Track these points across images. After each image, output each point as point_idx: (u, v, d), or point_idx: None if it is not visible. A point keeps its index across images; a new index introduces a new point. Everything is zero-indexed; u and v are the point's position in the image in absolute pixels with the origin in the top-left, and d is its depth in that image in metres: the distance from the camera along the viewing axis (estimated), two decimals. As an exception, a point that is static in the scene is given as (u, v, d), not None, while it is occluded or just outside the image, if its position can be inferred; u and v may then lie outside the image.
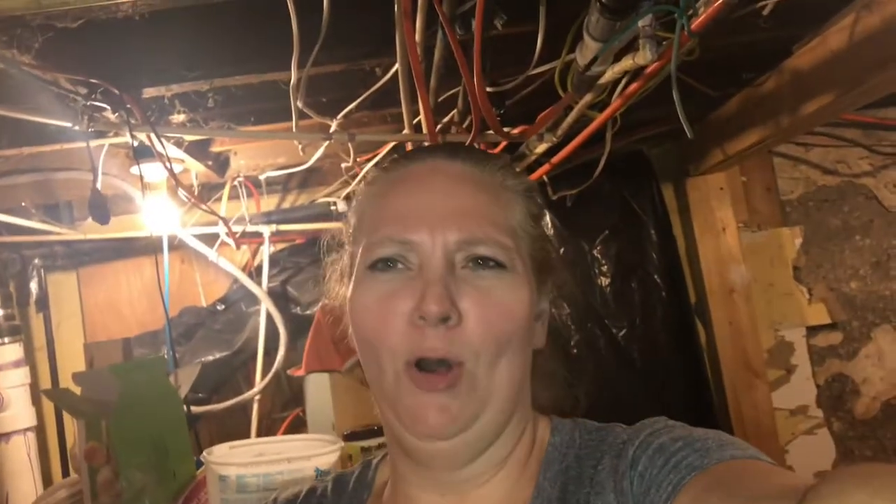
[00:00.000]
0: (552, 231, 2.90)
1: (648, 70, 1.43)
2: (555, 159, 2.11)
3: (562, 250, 2.90)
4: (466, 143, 1.74)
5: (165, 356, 2.69)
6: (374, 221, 0.78)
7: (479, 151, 0.83)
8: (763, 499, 0.55)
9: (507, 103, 1.89)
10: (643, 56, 1.23)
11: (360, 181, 0.88)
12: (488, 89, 1.64)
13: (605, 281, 2.90)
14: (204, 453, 1.41)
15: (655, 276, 2.90)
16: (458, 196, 0.76)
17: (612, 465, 0.73)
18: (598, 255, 2.91)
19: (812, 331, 3.04)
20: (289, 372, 2.54)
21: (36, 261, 2.84)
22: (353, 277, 0.79)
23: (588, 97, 1.57)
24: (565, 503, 0.74)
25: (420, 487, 0.79)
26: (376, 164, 0.87)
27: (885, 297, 3.04)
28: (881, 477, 0.44)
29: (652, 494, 0.66)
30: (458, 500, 0.78)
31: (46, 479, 2.79)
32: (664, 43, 1.28)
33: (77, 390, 1.53)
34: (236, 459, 1.39)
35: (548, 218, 2.90)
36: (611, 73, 1.40)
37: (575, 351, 2.86)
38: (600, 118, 1.70)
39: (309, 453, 1.36)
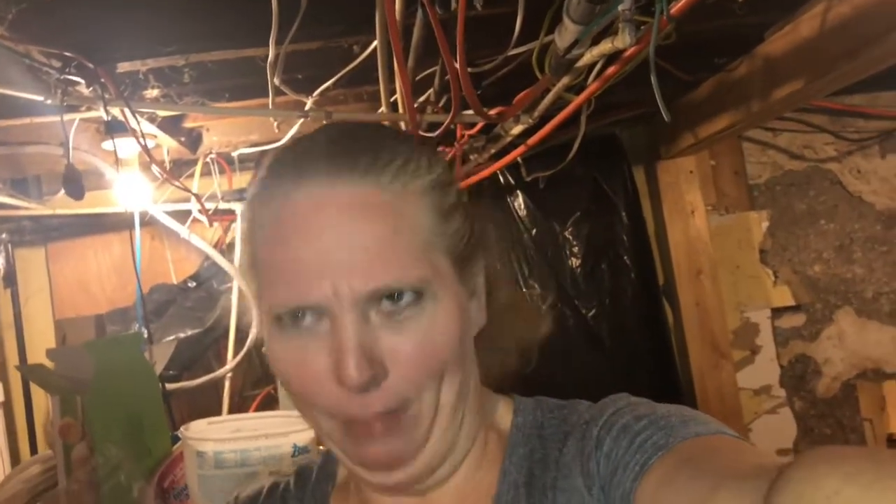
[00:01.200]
0: (525, 213, 2.93)
1: (626, 54, 1.45)
2: (530, 141, 2.12)
3: (533, 231, 2.93)
4: (444, 125, 1.75)
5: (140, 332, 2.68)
6: (268, 271, 0.70)
7: (365, 157, 0.69)
8: (732, 478, 0.54)
9: (483, 84, 1.90)
10: (622, 39, 1.25)
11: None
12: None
13: (575, 262, 2.94)
14: (181, 429, 1.42)
15: (625, 258, 2.95)
16: (353, 236, 0.66)
17: (578, 447, 0.72)
18: (570, 237, 2.94)
19: (777, 312, 3.11)
20: (263, 350, 2.54)
21: (3, 235, 2.80)
22: (260, 313, 0.72)
23: (565, 79, 1.59)
24: (531, 487, 0.73)
25: (377, 491, 0.78)
26: (257, 178, 0.72)
27: (847, 280, 3.12)
28: (853, 461, 0.43)
29: (619, 475, 0.65)
30: (419, 500, 0.77)
31: (14, 457, 2.77)
32: (642, 27, 1.29)
33: (50, 366, 1.52)
34: (214, 435, 1.40)
35: (520, 199, 2.93)
36: (589, 56, 1.41)
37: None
38: (577, 100, 1.72)
39: (286, 430, 1.37)
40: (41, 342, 2.82)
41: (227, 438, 1.37)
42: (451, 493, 0.77)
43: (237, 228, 2.80)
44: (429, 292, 0.68)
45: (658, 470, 0.62)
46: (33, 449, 2.80)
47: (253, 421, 1.51)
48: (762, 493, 0.47)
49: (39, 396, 2.80)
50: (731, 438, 0.65)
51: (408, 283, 0.66)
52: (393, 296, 0.67)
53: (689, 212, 2.98)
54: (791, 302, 3.10)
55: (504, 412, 0.80)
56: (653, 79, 1.19)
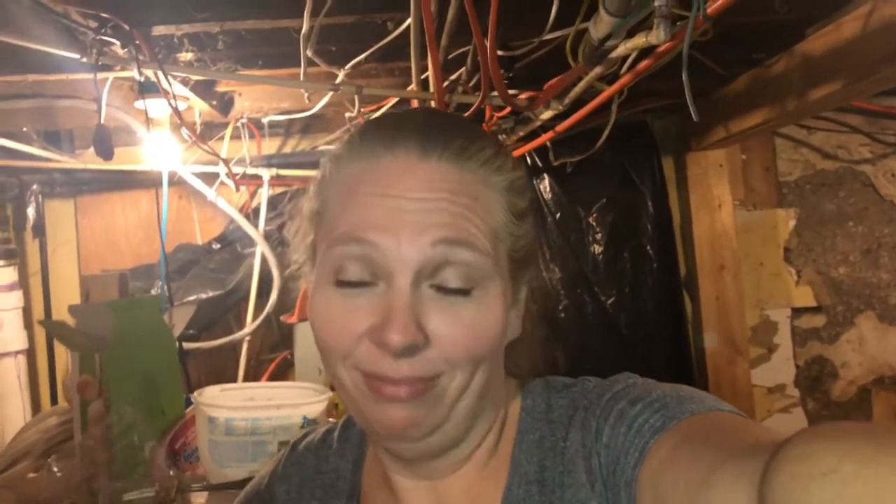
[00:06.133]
0: (550, 196, 2.92)
1: (660, 49, 1.43)
2: (559, 127, 2.11)
3: (558, 215, 2.92)
4: (473, 107, 1.75)
5: (159, 291, 2.72)
6: (338, 214, 0.71)
7: (458, 140, 0.71)
8: (729, 459, 0.54)
9: (516, 66, 1.89)
10: (657, 35, 1.24)
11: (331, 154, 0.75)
12: (499, 52, 1.64)
13: (597, 249, 2.93)
14: (195, 394, 1.44)
15: (648, 248, 2.93)
16: (431, 203, 0.68)
17: (579, 438, 0.72)
18: (594, 223, 2.93)
19: (797, 312, 3.08)
20: (282, 318, 2.57)
21: (34, 186, 2.84)
22: (314, 270, 0.74)
23: (598, 69, 1.57)
24: (543, 485, 0.73)
25: (394, 471, 0.79)
26: (344, 140, 0.77)
27: (872, 284, 3.08)
28: (850, 438, 0.43)
29: (621, 463, 0.66)
30: (431, 486, 0.78)
31: (35, 403, 2.84)
32: (678, 23, 1.28)
33: (72, 322, 1.55)
34: (227, 402, 1.42)
35: (547, 182, 2.92)
36: (623, 49, 1.40)
37: (562, 315, 2.90)
38: (608, 91, 1.70)
39: (298, 401, 1.40)
40: (66, 292, 2.88)
41: (239, 406, 1.39)
42: (461, 482, 0.77)
43: (263, 193, 2.82)
44: (482, 286, 0.69)
45: (657, 453, 0.63)
46: (53, 396, 2.86)
47: (266, 390, 1.54)
48: (760, 473, 0.47)
49: (61, 347, 2.86)
50: (727, 414, 0.65)
51: (473, 249, 0.68)
52: (448, 285, 0.68)
53: (717, 205, 2.96)
54: (812, 303, 3.07)
55: (513, 397, 0.81)
56: (684, 77, 1.17)
